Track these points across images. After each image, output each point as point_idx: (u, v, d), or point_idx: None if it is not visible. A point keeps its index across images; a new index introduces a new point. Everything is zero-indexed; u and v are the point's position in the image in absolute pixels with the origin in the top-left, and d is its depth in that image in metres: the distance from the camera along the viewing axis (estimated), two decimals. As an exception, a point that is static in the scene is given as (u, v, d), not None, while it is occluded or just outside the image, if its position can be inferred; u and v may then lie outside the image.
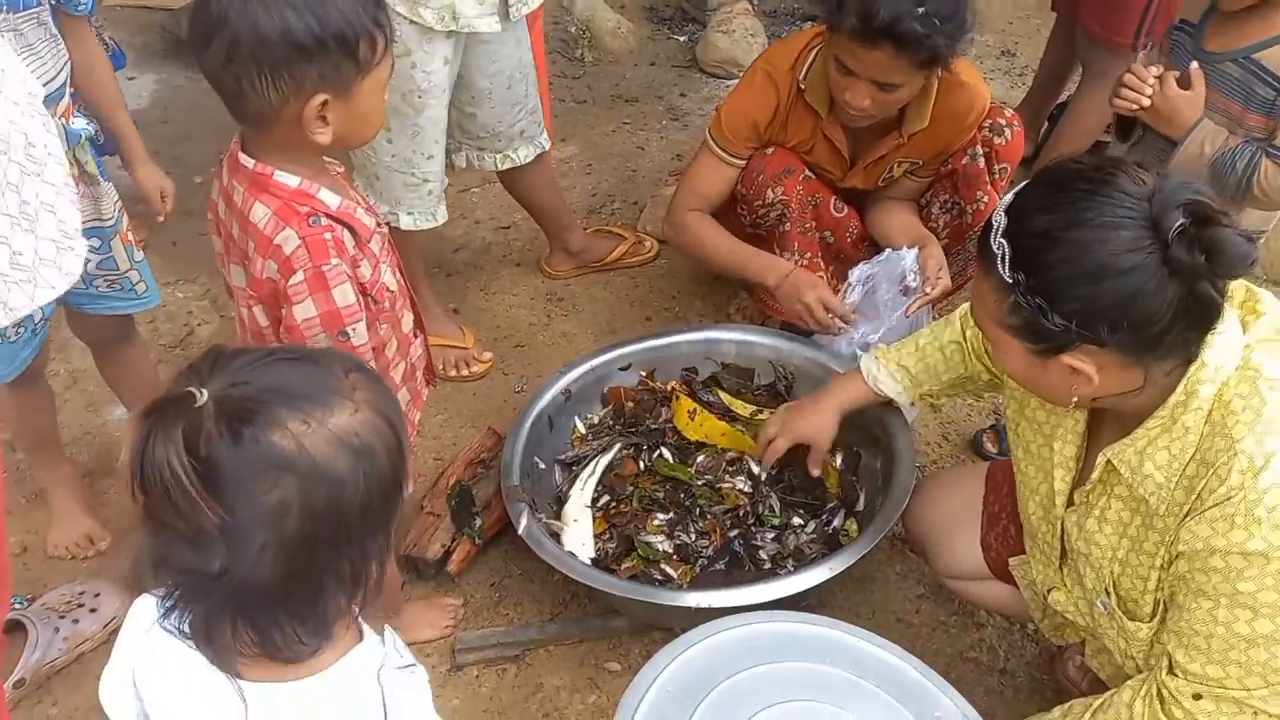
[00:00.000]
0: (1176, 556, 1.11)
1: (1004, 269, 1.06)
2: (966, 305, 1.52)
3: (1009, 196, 1.11)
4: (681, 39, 3.66)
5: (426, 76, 1.79)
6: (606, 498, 1.84)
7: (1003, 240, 1.07)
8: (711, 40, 3.45)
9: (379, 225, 1.34)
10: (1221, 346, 1.08)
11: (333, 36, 1.12)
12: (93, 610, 1.63)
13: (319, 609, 0.79)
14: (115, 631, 1.60)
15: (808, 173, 2.07)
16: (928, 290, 1.94)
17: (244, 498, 0.71)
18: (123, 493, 1.81)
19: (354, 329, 1.22)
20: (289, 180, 1.20)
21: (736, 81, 3.30)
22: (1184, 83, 1.59)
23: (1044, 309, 1.04)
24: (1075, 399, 1.13)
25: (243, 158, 1.21)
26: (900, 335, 1.82)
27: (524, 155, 2.13)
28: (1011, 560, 1.50)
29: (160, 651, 0.83)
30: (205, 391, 0.72)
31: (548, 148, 2.21)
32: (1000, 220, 1.09)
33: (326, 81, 1.13)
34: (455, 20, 1.75)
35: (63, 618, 1.60)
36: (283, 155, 1.20)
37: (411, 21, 1.72)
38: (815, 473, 1.73)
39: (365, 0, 1.17)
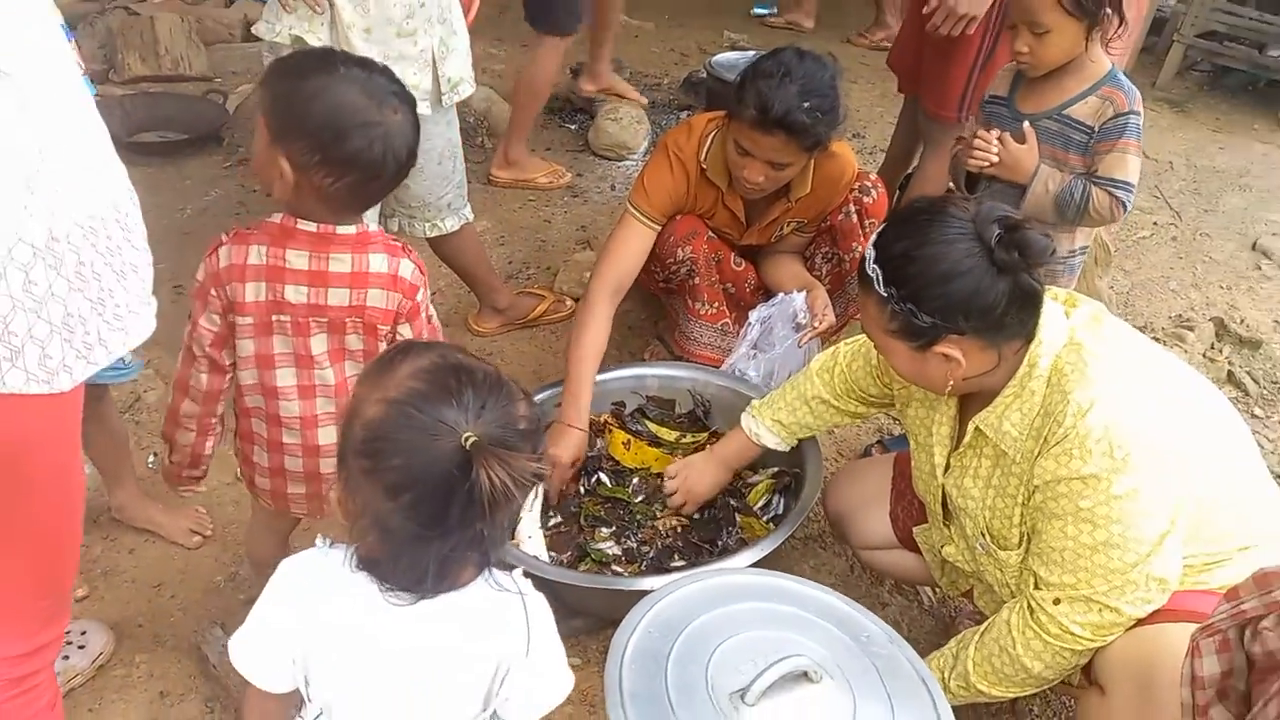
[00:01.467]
0: (1034, 491, 1.42)
1: (880, 287, 1.37)
2: (821, 357, 1.87)
3: (874, 235, 1.43)
4: (573, 127, 4.01)
5: None
6: (556, 519, 2.05)
7: (875, 266, 1.38)
8: (602, 127, 3.81)
9: None
10: (1051, 328, 1.41)
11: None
12: (81, 647, 1.71)
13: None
14: (102, 667, 1.71)
15: (710, 234, 2.40)
16: (815, 325, 2.27)
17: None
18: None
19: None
20: (349, 230, 1.39)
21: (629, 161, 3.69)
22: (1019, 138, 1.99)
23: (914, 311, 1.35)
24: (951, 383, 1.43)
25: (339, 230, 1.37)
26: (797, 364, 2.14)
27: (450, 225, 2.38)
28: (915, 529, 1.79)
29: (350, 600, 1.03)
30: (472, 436, 0.93)
31: (471, 218, 2.47)
32: (871, 252, 1.40)
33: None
34: None
35: (54, 655, 1.68)
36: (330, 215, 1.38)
37: None
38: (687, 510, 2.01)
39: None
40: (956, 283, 1.32)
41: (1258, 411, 2.83)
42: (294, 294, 1.39)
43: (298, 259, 1.38)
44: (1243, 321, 3.19)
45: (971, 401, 1.55)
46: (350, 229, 1.39)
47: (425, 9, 2.01)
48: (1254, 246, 3.73)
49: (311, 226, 1.37)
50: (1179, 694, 1.08)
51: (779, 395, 1.92)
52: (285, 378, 1.45)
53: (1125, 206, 1.95)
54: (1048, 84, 1.99)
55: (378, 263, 1.40)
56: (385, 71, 1.40)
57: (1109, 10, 1.86)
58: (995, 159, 1.98)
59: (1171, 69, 5.34)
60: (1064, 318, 1.46)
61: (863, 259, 1.42)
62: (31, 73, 0.89)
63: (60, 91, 0.94)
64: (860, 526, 1.91)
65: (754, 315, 2.33)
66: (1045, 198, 1.98)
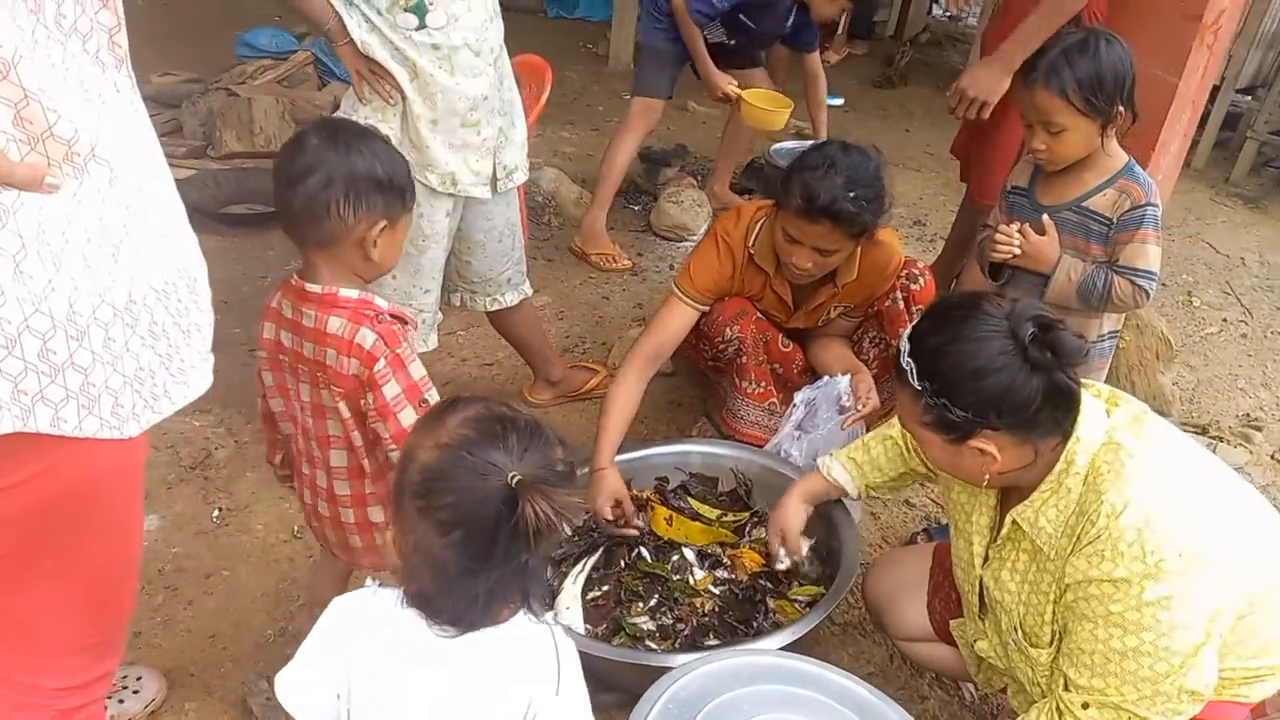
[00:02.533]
0: (1065, 589, 1.41)
1: (913, 380, 1.39)
2: None
3: (909, 328, 1.46)
4: (636, 208, 4.15)
5: (430, 225, 2.18)
6: (594, 592, 2.07)
7: (909, 359, 1.40)
8: (664, 209, 3.93)
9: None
10: (1089, 426, 1.40)
11: (395, 180, 1.49)
12: (135, 692, 1.79)
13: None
14: (153, 713, 1.78)
15: (759, 315, 2.46)
16: (859, 409, 2.29)
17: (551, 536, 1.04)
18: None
19: (430, 395, 1.51)
20: (351, 293, 1.49)
21: (688, 243, 3.81)
22: (1039, 230, 2.03)
23: (947, 406, 1.36)
24: (987, 477, 1.43)
25: (309, 286, 1.50)
26: (838, 447, 2.16)
27: (510, 299, 2.49)
28: (952, 622, 1.76)
29: (392, 637, 1.10)
30: (517, 474, 1.03)
31: (530, 293, 2.58)
32: (905, 345, 1.43)
33: (389, 212, 1.48)
34: (454, 185, 2.16)
35: (109, 698, 1.76)
36: (341, 278, 1.50)
37: (420, 182, 2.10)
38: (795, 558, 1.96)
39: (405, 162, 1.56)
40: (989, 379, 1.33)
41: (1328, 517, 2.73)
42: (285, 338, 1.55)
43: (286, 307, 1.53)
44: (1315, 424, 3.10)
45: (1011, 493, 1.54)
46: (317, 287, 1.49)
47: (488, 102, 2.15)
48: (1329, 347, 3.64)
49: (294, 280, 1.53)
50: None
51: (858, 442, 1.94)
52: (295, 410, 1.62)
53: (1148, 294, 1.97)
54: (1066, 177, 2.03)
55: (335, 325, 1.47)
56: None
57: (1121, 107, 1.90)
58: (1018, 250, 2.02)
59: (1245, 165, 5.28)
60: (1104, 416, 1.45)
61: (898, 351, 1.45)
62: (121, 156, 1.00)
63: (144, 171, 1.05)
64: (898, 616, 1.89)
65: (799, 396, 2.36)
66: (1068, 286, 2.00)
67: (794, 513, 1.95)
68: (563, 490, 1.04)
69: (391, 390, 1.46)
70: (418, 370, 1.49)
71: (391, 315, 1.52)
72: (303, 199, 1.43)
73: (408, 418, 1.47)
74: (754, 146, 4.36)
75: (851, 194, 2.08)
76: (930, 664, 1.95)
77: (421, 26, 2.00)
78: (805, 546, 1.96)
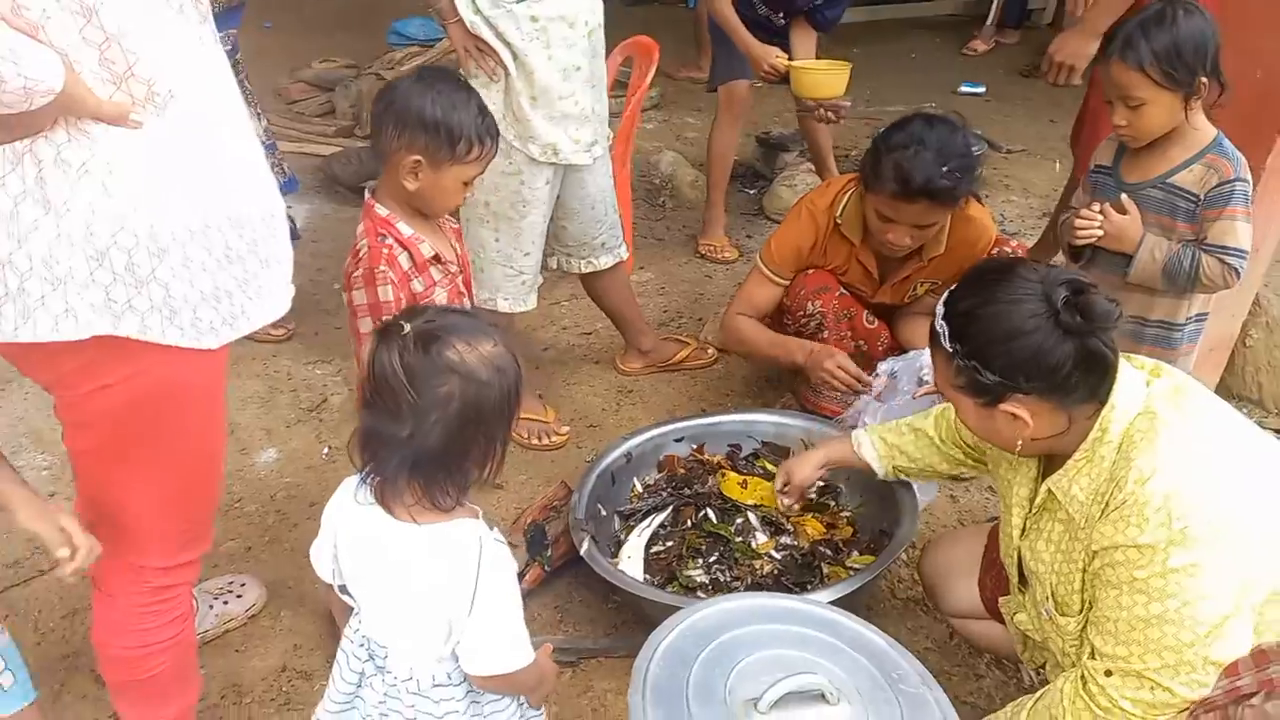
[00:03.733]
0: (1093, 556, 1.39)
1: (946, 343, 1.39)
2: (939, 408, 1.88)
3: (946, 293, 1.45)
4: (751, 192, 4.19)
5: (532, 191, 2.32)
6: (658, 547, 2.16)
7: (943, 322, 1.41)
8: (777, 192, 3.96)
9: (448, 263, 1.84)
10: (1126, 394, 1.38)
11: (444, 126, 1.70)
12: (239, 596, 2.01)
13: (463, 474, 1.19)
14: (254, 616, 2.00)
15: (842, 290, 2.48)
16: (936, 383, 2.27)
17: (427, 387, 1.13)
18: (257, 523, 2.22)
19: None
20: (382, 211, 1.77)
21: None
22: (1120, 209, 1.97)
23: (978, 369, 1.35)
24: (1020, 442, 1.42)
25: (368, 199, 1.79)
26: (902, 408, 2.18)
27: (604, 262, 2.61)
28: (1001, 599, 1.75)
29: (349, 513, 1.24)
30: (408, 325, 1.15)
31: (625, 257, 2.69)
32: (940, 309, 1.43)
33: (426, 150, 1.70)
34: (556, 154, 2.30)
35: (216, 599, 1.99)
36: (388, 195, 1.77)
37: (522, 151, 2.24)
38: (788, 502, 2.07)
39: (482, 123, 1.75)
40: (1019, 342, 1.33)
41: None
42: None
43: None
44: None
45: (1051, 465, 1.53)
46: (369, 196, 1.84)
47: (581, 72, 2.27)
48: None
49: None
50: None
51: (894, 421, 1.96)
52: None
53: (1238, 274, 1.89)
54: (1151, 153, 1.96)
55: (359, 229, 1.80)
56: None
57: (1204, 78, 1.82)
58: (1099, 233, 1.97)
59: None
60: (1144, 386, 1.43)
61: (935, 312, 1.46)
62: (199, 99, 1.16)
63: (220, 114, 1.21)
64: (950, 593, 1.89)
65: (881, 367, 2.37)
66: (1153, 265, 1.94)
67: (807, 468, 2.02)
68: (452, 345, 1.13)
69: (359, 299, 1.72)
70: (385, 294, 1.70)
71: (399, 241, 1.74)
72: (374, 116, 1.75)
73: (365, 326, 1.72)
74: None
75: (945, 169, 2.09)
76: (982, 642, 1.94)
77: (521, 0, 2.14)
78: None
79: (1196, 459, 1.33)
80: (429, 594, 1.21)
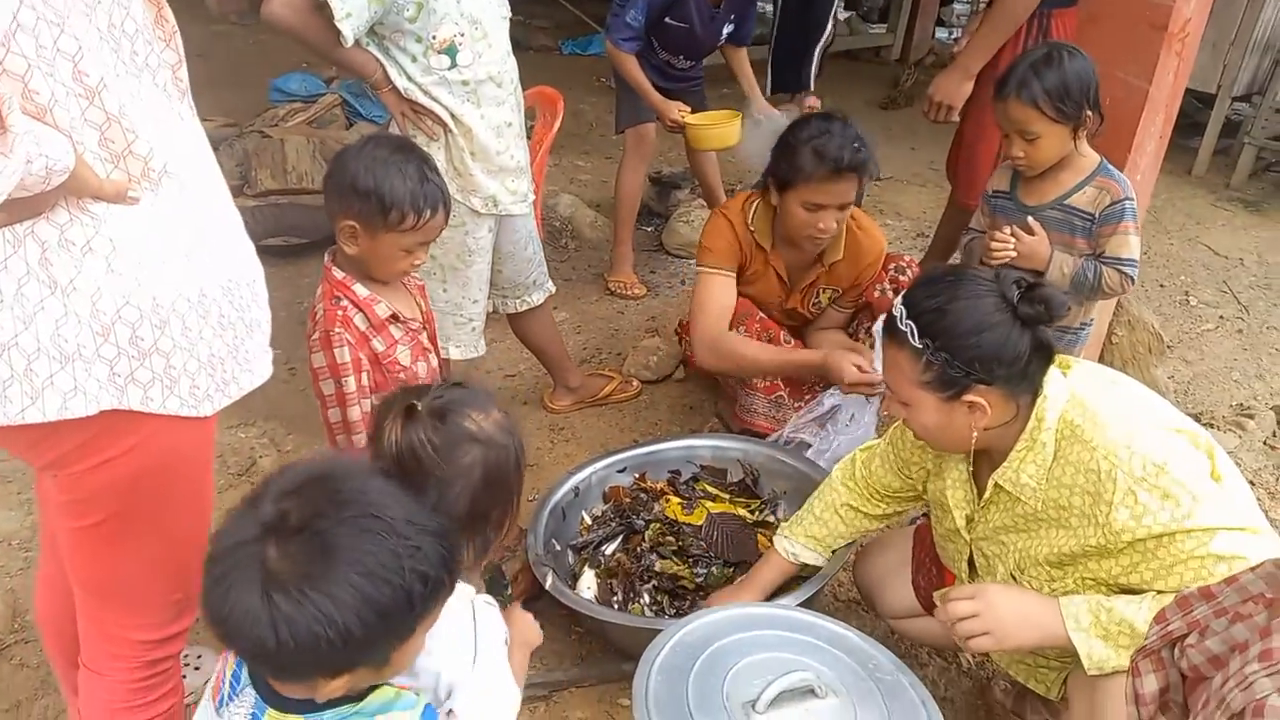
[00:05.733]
0: (1122, 548, 1.42)
1: (914, 340, 1.47)
2: (841, 465, 1.99)
3: (899, 298, 1.56)
4: (649, 229, 4.34)
5: (476, 241, 2.38)
6: (613, 581, 2.22)
7: (908, 321, 1.49)
8: (674, 228, 4.13)
9: (408, 320, 1.88)
10: (1053, 385, 1.53)
11: (375, 194, 1.73)
12: (196, 669, 1.97)
13: (484, 537, 1.25)
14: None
15: (761, 315, 2.63)
16: (871, 377, 2.37)
17: (452, 458, 1.20)
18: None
19: (346, 380, 1.77)
20: (338, 273, 1.81)
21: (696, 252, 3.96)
22: (1026, 229, 2.19)
23: (949, 360, 1.45)
24: (975, 435, 1.52)
25: (327, 261, 1.84)
26: (862, 438, 2.32)
27: (537, 298, 2.71)
28: (936, 593, 1.89)
29: None
30: (420, 404, 1.23)
31: (553, 290, 2.78)
32: (901, 310, 1.53)
33: (360, 217, 1.74)
34: (496, 205, 2.39)
35: (174, 672, 1.94)
36: (343, 260, 1.82)
37: (464, 205, 2.32)
38: None
39: (421, 190, 1.76)
40: (988, 334, 1.44)
41: (1319, 497, 2.83)
42: None
43: None
44: (1308, 411, 3.20)
45: (982, 464, 1.66)
46: (328, 259, 1.90)
47: (512, 128, 2.38)
48: (1324, 339, 3.74)
49: None
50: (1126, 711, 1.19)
51: (806, 512, 1.99)
52: None
53: (1132, 280, 2.14)
54: (1045, 178, 2.20)
55: (318, 293, 1.87)
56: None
57: (1089, 111, 2.07)
58: (1014, 253, 2.18)
59: (1245, 170, 5.40)
60: (1062, 376, 1.59)
61: (891, 316, 1.54)
62: (188, 172, 1.19)
63: (207, 185, 1.24)
64: (887, 596, 2.00)
65: (826, 397, 2.51)
66: (1063, 280, 2.16)
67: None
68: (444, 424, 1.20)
69: (317, 361, 1.78)
70: (342, 355, 1.76)
71: (355, 302, 1.78)
72: (324, 178, 1.80)
73: (327, 388, 1.77)
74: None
75: (856, 145, 2.33)
76: (921, 638, 2.07)
77: (453, 66, 2.22)
78: None
79: (1138, 421, 1.48)
80: (430, 655, 1.20)
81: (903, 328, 1.50)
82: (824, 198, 2.36)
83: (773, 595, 2.00)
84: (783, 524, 2.05)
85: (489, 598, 1.29)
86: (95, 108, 1.06)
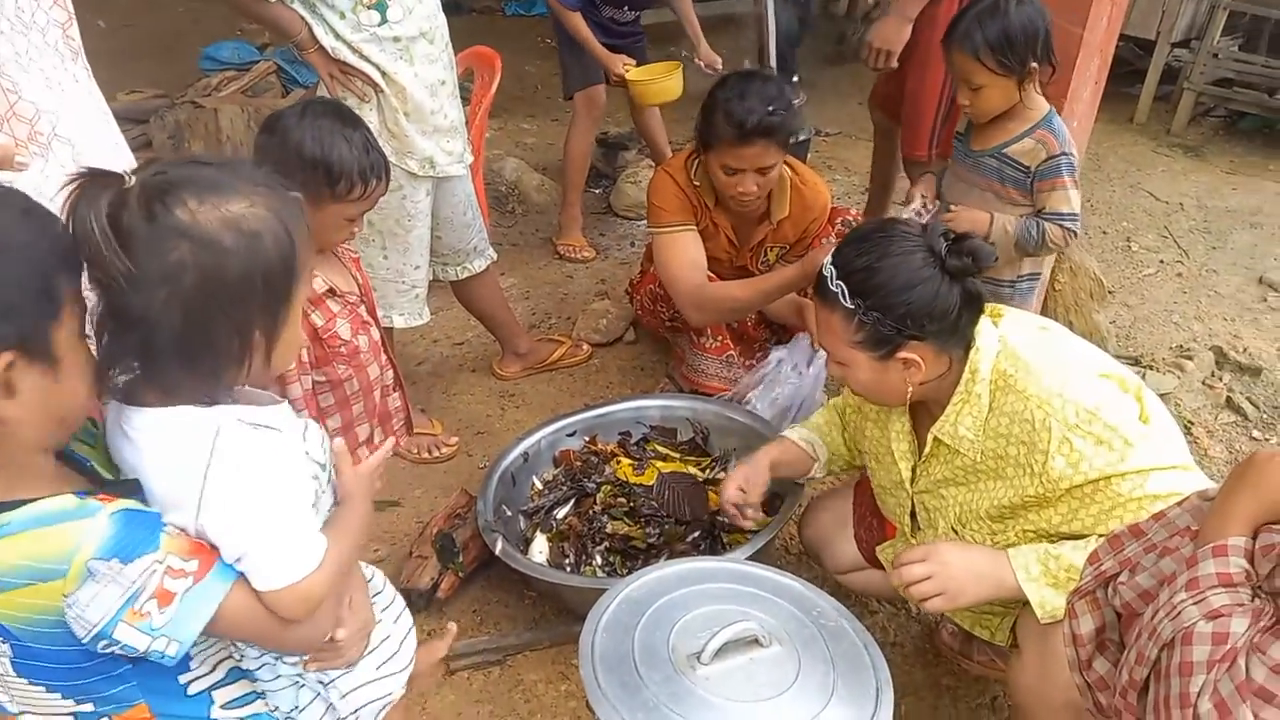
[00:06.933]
0: (1061, 495, 1.44)
1: (846, 300, 1.47)
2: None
3: (828, 256, 1.55)
4: (597, 191, 4.30)
5: (415, 205, 2.34)
6: (564, 544, 2.22)
7: (839, 282, 1.50)
8: (622, 189, 4.09)
9: (345, 294, 1.83)
10: (985, 337, 1.54)
11: (323, 164, 1.67)
12: None
13: (209, 364, 0.97)
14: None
15: (710, 273, 2.62)
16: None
17: (149, 255, 0.91)
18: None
19: None
20: None
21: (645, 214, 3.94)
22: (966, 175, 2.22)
23: (880, 319, 1.45)
24: (910, 389, 1.53)
25: None
26: (806, 392, 2.33)
27: (478, 265, 2.66)
28: (879, 547, 1.90)
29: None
30: (133, 176, 0.93)
31: (495, 258, 2.74)
32: (830, 270, 1.53)
33: (305, 188, 1.61)
34: (433, 167, 2.33)
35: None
36: None
37: (401, 168, 2.26)
38: (748, 521, 1.97)
39: (367, 159, 1.71)
40: (918, 290, 1.44)
41: (1256, 434, 2.91)
42: None
43: None
44: (1245, 350, 3.27)
45: (921, 415, 1.67)
46: None
47: (446, 86, 2.32)
48: (1260, 280, 3.82)
49: None
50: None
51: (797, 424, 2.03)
52: None
53: (1074, 234, 2.15)
54: (993, 125, 2.21)
55: None
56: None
57: (1035, 63, 2.07)
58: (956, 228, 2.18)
59: (1185, 116, 5.47)
60: (993, 327, 1.61)
61: (822, 276, 1.53)
62: (82, 136, 1.14)
63: (104, 149, 1.19)
64: (832, 553, 2.03)
65: (774, 355, 2.52)
66: (1007, 239, 2.18)
67: (763, 477, 1.95)
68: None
69: None
70: None
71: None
72: (256, 148, 1.71)
73: None
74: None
75: (770, 109, 2.27)
76: (867, 590, 2.10)
77: (384, 21, 2.16)
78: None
79: (1068, 368, 1.49)
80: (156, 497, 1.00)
81: (833, 289, 1.50)
82: (736, 161, 2.33)
83: (715, 549, 2.02)
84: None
85: (260, 420, 1.03)
86: None
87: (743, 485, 1.92)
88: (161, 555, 0.94)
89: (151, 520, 0.96)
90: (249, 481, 0.99)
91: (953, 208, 2.24)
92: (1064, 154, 2.13)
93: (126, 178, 0.93)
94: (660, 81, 3.33)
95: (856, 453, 1.94)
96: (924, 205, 2.28)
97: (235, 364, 1.00)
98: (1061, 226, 2.14)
